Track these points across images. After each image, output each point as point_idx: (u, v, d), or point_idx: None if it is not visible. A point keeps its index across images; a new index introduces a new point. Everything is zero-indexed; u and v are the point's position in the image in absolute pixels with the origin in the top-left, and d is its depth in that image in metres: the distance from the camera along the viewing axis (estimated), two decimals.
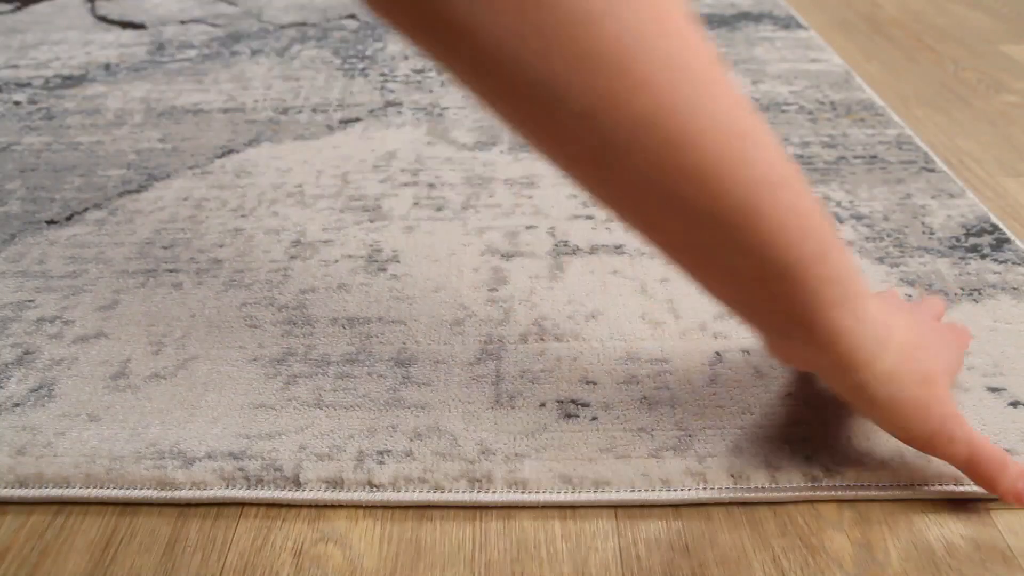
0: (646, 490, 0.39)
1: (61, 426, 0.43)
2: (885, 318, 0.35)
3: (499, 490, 0.39)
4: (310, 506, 0.39)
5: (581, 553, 0.37)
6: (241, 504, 0.39)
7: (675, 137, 0.28)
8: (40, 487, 0.40)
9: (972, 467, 0.37)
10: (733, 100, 0.29)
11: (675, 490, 0.39)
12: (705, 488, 0.39)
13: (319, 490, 0.39)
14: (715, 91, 0.29)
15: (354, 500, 0.39)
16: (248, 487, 0.40)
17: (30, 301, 0.53)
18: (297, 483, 0.40)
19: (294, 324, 0.50)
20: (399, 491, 0.39)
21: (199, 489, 0.40)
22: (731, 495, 0.39)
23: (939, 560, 0.36)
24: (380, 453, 0.41)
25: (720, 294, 0.35)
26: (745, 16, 1.02)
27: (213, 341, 0.49)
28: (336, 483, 0.40)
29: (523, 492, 0.39)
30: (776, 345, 0.37)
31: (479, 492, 0.39)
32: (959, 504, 0.39)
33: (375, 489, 0.39)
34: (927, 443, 0.37)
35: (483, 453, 0.41)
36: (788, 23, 0.99)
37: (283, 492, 0.39)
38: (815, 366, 0.36)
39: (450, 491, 0.39)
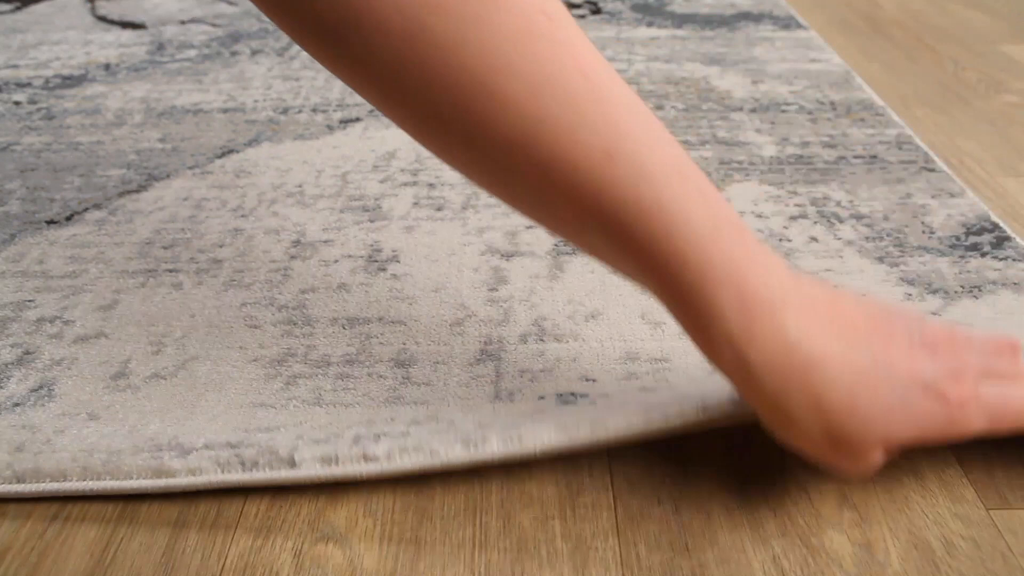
0: (643, 425, 0.39)
1: (60, 424, 0.43)
2: (786, 276, 0.30)
3: (496, 447, 0.38)
4: (308, 488, 0.39)
5: (581, 553, 0.37)
6: (241, 504, 0.39)
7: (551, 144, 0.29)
8: (37, 482, 0.40)
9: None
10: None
11: (672, 419, 0.38)
12: (705, 412, 0.39)
13: (314, 468, 0.39)
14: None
15: (349, 474, 0.38)
16: (243, 470, 0.39)
17: (30, 301, 0.53)
18: (292, 463, 0.39)
19: (294, 324, 0.50)
20: (393, 460, 0.39)
21: (194, 475, 0.39)
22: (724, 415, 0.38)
23: (939, 560, 0.36)
24: (376, 435, 0.40)
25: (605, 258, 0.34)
26: (745, 16, 1.02)
27: (213, 341, 0.49)
28: (330, 460, 0.39)
29: (519, 444, 0.38)
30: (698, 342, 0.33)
31: (474, 449, 0.38)
32: (959, 504, 0.39)
33: (369, 461, 0.39)
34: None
35: (480, 427, 0.40)
36: (788, 23, 0.99)
37: (278, 472, 0.39)
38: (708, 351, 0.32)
39: (445, 456, 0.38)
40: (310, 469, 0.39)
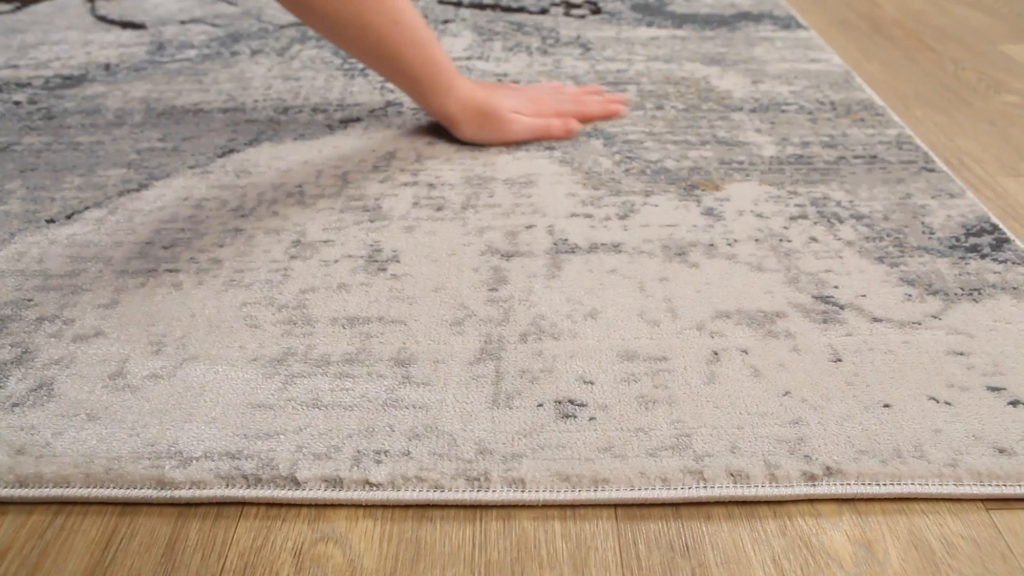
0: (645, 488, 0.39)
1: (59, 425, 0.43)
2: (470, 90, 0.69)
3: (497, 489, 0.39)
4: (309, 505, 0.39)
5: (581, 553, 0.37)
6: (241, 504, 0.40)
7: (366, 23, 0.62)
8: (39, 487, 0.40)
9: (531, 135, 0.72)
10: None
11: (674, 489, 0.39)
12: (704, 487, 0.39)
13: (318, 489, 0.39)
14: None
15: (353, 499, 0.39)
16: (247, 486, 0.40)
17: (29, 300, 0.53)
18: (295, 482, 0.40)
19: (294, 324, 0.50)
20: (397, 490, 0.39)
21: (199, 488, 0.40)
22: (730, 494, 0.39)
23: (939, 560, 0.36)
24: (377, 452, 0.41)
25: (394, 82, 0.68)
26: (745, 16, 1.02)
27: (213, 341, 0.49)
28: (334, 482, 0.40)
29: (521, 491, 0.39)
30: (425, 106, 0.70)
31: (478, 491, 0.39)
32: (959, 504, 0.39)
33: (373, 488, 0.40)
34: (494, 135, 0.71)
35: (480, 452, 0.41)
36: (788, 23, 0.99)
37: (282, 491, 0.39)
38: (441, 116, 0.70)
39: (449, 490, 0.39)
40: (314, 490, 0.39)
